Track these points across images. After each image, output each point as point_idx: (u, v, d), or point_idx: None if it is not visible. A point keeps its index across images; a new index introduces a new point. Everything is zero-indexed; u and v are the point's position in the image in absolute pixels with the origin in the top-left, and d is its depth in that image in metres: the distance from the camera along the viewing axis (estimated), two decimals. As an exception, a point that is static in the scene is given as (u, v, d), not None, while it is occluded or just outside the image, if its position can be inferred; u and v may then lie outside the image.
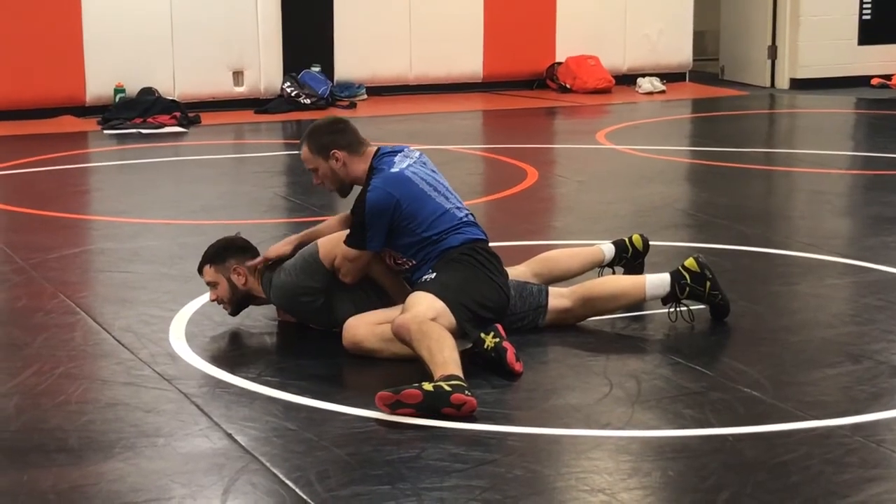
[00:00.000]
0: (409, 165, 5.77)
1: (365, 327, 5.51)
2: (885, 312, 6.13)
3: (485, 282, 5.57)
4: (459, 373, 4.95)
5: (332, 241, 5.75)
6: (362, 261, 5.69)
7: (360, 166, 5.79)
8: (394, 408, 4.82)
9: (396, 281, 5.78)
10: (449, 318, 5.33)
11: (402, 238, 5.68)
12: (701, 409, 4.93)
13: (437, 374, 4.96)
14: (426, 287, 5.45)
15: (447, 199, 5.79)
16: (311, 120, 12.92)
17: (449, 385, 4.83)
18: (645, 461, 4.49)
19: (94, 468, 4.42)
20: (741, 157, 10.72)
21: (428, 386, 4.83)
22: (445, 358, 5.02)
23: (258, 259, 5.91)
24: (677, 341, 5.78)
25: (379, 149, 5.86)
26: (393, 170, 5.72)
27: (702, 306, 5.94)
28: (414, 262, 5.70)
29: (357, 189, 5.83)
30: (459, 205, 5.82)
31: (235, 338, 5.88)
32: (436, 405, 4.80)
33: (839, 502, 4.14)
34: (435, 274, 5.51)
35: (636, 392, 5.07)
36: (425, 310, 5.30)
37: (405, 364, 5.35)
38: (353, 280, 5.72)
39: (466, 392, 4.83)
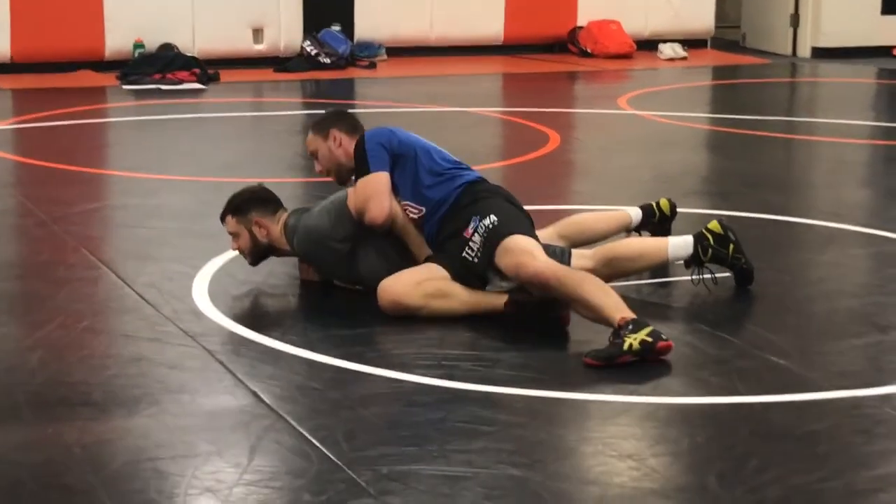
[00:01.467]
0: None
1: (404, 286, 5.48)
2: (911, 283, 6.11)
3: (524, 213, 5.68)
4: (633, 314, 5.04)
5: (353, 190, 5.77)
6: (382, 189, 5.66)
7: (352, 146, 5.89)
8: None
9: (419, 236, 5.75)
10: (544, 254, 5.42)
11: (408, 171, 5.71)
12: (728, 377, 4.90)
13: (618, 317, 5.02)
14: (509, 229, 5.46)
15: (439, 147, 5.90)
16: (332, 80, 12.96)
17: (648, 335, 4.93)
18: (672, 428, 4.46)
19: (120, 423, 4.40)
20: (763, 125, 10.66)
21: (636, 344, 4.90)
22: (617, 301, 5.11)
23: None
24: (703, 308, 5.75)
25: None
26: None
27: (726, 273, 5.91)
28: (424, 209, 5.70)
29: None
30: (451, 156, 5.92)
31: (259, 296, 5.86)
32: (642, 358, 4.92)
33: (867, 473, 4.11)
34: (493, 216, 5.51)
35: (662, 359, 5.04)
36: (542, 252, 5.39)
37: (424, 324, 5.37)
38: (384, 217, 5.65)
39: (662, 336, 4.94)
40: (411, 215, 5.73)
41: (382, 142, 5.74)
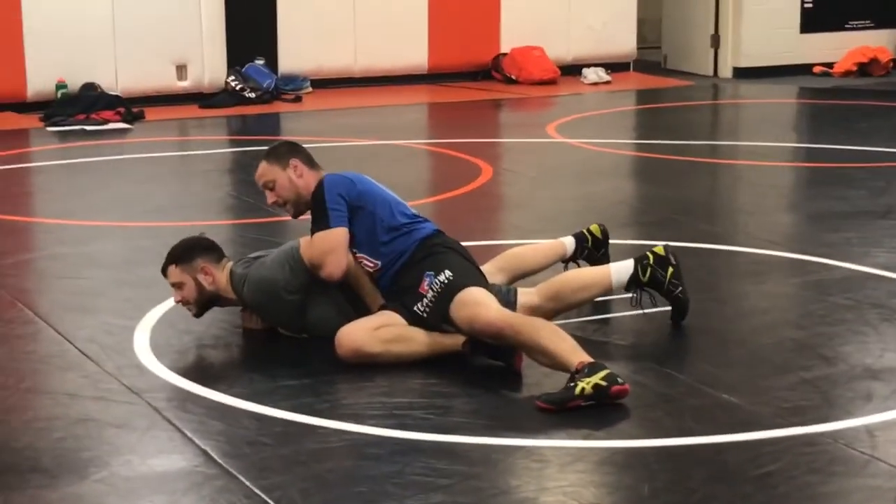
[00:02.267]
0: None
1: (363, 332, 5.45)
2: (853, 312, 6.13)
3: (478, 268, 5.69)
4: (590, 358, 5.01)
5: (308, 241, 5.71)
6: (339, 247, 5.62)
7: (313, 181, 5.83)
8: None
9: (372, 286, 5.72)
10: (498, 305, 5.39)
11: (366, 226, 5.67)
12: (680, 416, 4.90)
13: (575, 361, 4.99)
14: (463, 283, 5.44)
15: (396, 197, 5.88)
16: (257, 115, 12.88)
17: (603, 379, 4.90)
18: (630, 473, 4.45)
19: (71, 489, 4.32)
20: (688, 149, 10.71)
21: (588, 388, 4.88)
22: (573, 345, 5.09)
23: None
24: (649, 344, 5.76)
25: (326, 173, 5.91)
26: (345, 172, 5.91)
27: (667, 308, 5.92)
28: (379, 263, 5.67)
29: None
30: (407, 205, 5.89)
31: (202, 347, 5.78)
32: (596, 402, 4.89)
33: (828, 513, 4.13)
34: (448, 272, 5.49)
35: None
36: (495, 302, 5.37)
37: (372, 371, 5.34)
38: (340, 273, 5.63)
39: (618, 380, 4.92)
40: (367, 268, 5.70)
41: (342, 192, 5.69)
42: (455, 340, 5.45)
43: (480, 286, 5.48)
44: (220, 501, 4.21)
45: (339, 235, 5.65)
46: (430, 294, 5.49)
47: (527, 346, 5.18)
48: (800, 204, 9.04)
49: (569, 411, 4.88)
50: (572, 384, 4.92)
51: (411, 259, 5.63)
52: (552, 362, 5.11)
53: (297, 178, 5.82)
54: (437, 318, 5.46)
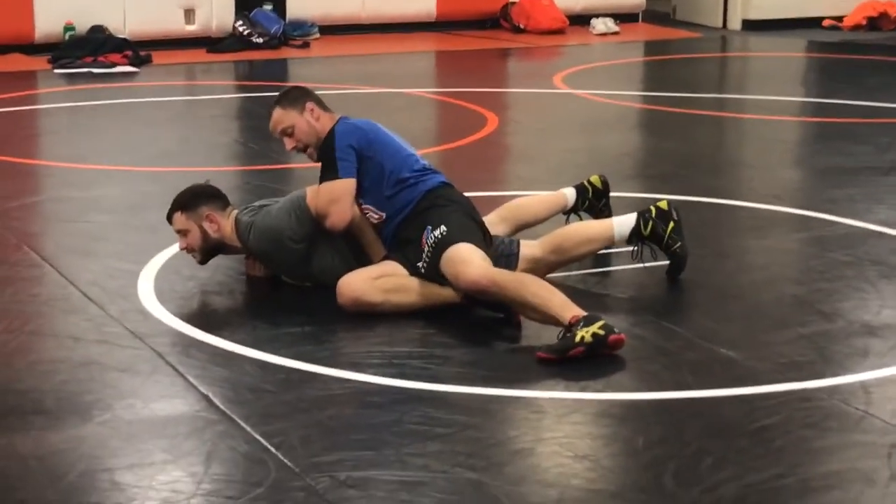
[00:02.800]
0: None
1: (363, 282, 5.49)
2: (853, 268, 6.16)
3: (478, 223, 5.67)
4: (582, 311, 5.04)
5: (314, 190, 5.74)
6: (346, 197, 5.65)
7: (328, 123, 5.83)
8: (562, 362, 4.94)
9: (375, 237, 5.76)
10: (489, 262, 5.39)
11: (372, 177, 5.69)
12: (678, 370, 4.94)
13: (567, 315, 5.02)
14: (454, 239, 5.44)
15: (408, 147, 5.87)
16: (265, 60, 12.88)
17: (600, 328, 4.94)
18: (626, 425, 4.49)
19: (74, 432, 4.37)
20: (696, 102, 10.71)
21: (587, 337, 4.92)
22: (563, 300, 5.11)
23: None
24: (650, 298, 5.80)
25: (341, 116, 5.92)
26: (358, 119, 5.90)
27: (665, 263, 5.95)
28: (384, 214, 5.70)
29: None
30: (423, 159, 5.89)
31: (206, 293, 5.83)
32: (594, 352, 4.93)
33: (821, 469, 4.17)
34: (443, 227, 5.50)
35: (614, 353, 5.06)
36: (481, 260, 5.34)
37: (373, 321, 5.39)
38: (343, 224, 5.66)
39: (615, 329, 4.97)
40: (372, 220, 5.73)
41: (352, 142, 5.70)
42: (455, 292, 5.48)
43: (473, 243, 5.46)
44: (220, 446, 4.26)
45: (345, 186, 5.67)
46: (426, 249, 5.52)
47: (515, 302, 5.21)
48: (805, 159, 9.05)
49: (569, 361, 4.92)
50: (569, 334, 4.96)
51: (414, 211, 5.66)
52: (542, 316, 5.14)
53: (314, 122, 5.82)
54: (433, 273, 5.49)
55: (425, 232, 5.54)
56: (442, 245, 5.45)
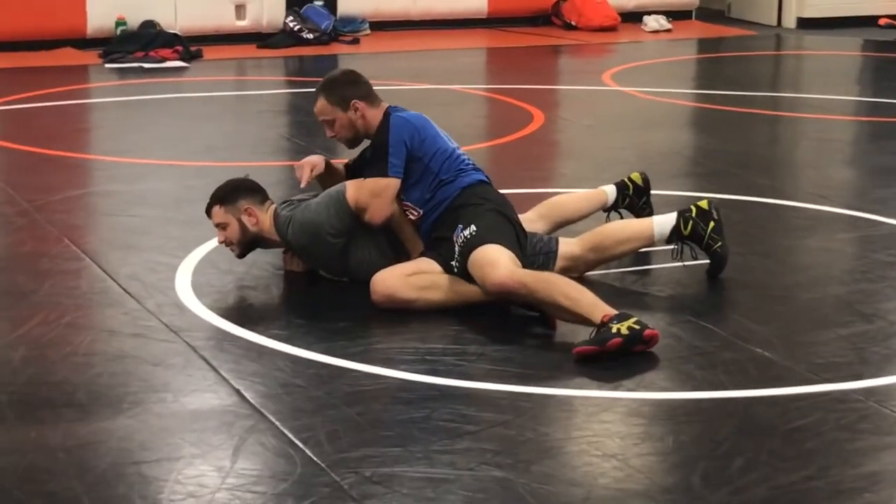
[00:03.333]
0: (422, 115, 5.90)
1: (397, 279, 5.48)
2: (895, 269, 6.09)
3: (512, 223, 5.62)
4: (613, 310, 5.02)
5: (358, 183, 5.72)
6: (388, 194, 5.65)
7: (375, 118, 5.81)
8: (595, 359, 4.89)
9: (414, 233, 5.75)
10: (518, 262, 5.35)
11: (415, 176, 5.69)
12: (713, 369, 4.90)
13: (598, 315, 4.99)
14: (483, 239, 5.41)
15: (455, 146, 5.86)
16: (315, 56, 12.89)
17: (635, 324, 4.92)
18: (657, 425, 4.46)
19: (103, 424, 4.38)
20: (748, 101, 10.63)
21: (624, 330, 4.90)
22: (594, 299, 5.09)
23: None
24: (687, 298, 5.75)
25: (389, 105, 5.89)
26: (410, 112, 5.86)
27: (706, 262, 5.90)
28: (421, 211, 5.69)
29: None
30: (465, 154, 5.87)
31: (242, 288, 5.83)
32: (630, 346, 4.91)
33: (853, 471, 4.11)
34: (474, 226, 5.47)
35: (647, 351, 5.02)
36: (507, 262, 5.29)
37: (408, 317, 5.39)
38: (382, 219, 5.67)
39: (648, 326, 4.95)
40: (410, 216, 5.71)
41: (406, 138, 5.68)
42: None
43: (503, 243, 5.40)
44: (248, 441, 4.26)
45: (390, 184, 5.66)
46: (456, 248, 5.49)
47: (545, 303, 5.18)
48: (856, 159, 8.95)
49: (607, 355, 4.89)
50: (604, 328, 4.92)
51: (449, 208, 5.64)
52: (574, 316, 5.11)
53: (358, 120, 5.81)
54: (465, 272, 5.46)
55: (456, 230, 5.51)
56: (470, 246, 5.42)
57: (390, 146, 5.67)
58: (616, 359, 4.91)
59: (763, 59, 13.70)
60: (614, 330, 4.92)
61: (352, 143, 5.93)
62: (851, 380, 4.79)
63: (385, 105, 5.87)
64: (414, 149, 5.69)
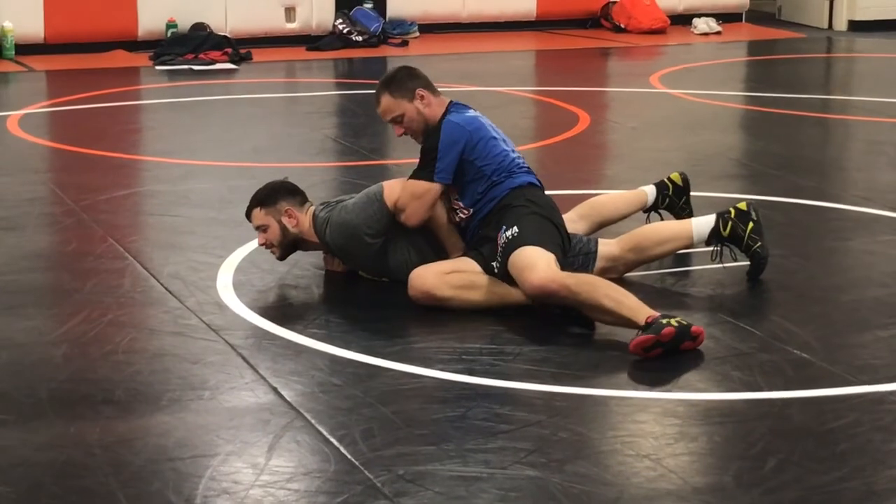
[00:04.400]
0: (479, 115, 5.88)
1: (434, 276, 5.50)
2: (938, 272, 6.07)
3: (554, 228, 5.60)
4: (656, 312, 5.04)
5: (397, 183, 5.75)
6: (429, 198, 5.66)
7: (439, 109, 5.80)
8: (648, 350, 4.91)
9: (453, 232, 5.77)
10: (559, 266, 5.34)
11: (468, 177, 5.69)
12: (750, 371, 4.89)
13: (642, 317, 5.01)
14: (524, 241, 5.40)
15: (510, 147, 5.85)
16: (364, 58, 12.94)
17: (683, 321, 4.96)
18: (692, 425, 4.46)
19: (141, 422, 4.43)
20: (797, 103, 10.58)
21: (675, 323, 4.93)
22: (637, 302, 5.11)
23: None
24: (727, 299, 5.74)
25: (451, 100, 5.89)
26: (468, 113, 5.81)
27: (746, 263, 5.89)
28: (470, 211, 5.70)
29: None
30: (520, 156, 5.86)
31: (283, 287, 5.87)
32: (679, 341, 4.93)
33: (887, 472, 4.10)
34: (516, 228, 5.47)
35: (685, 352, 5.01)
36: (547, 265, 5.28)
37: (446, 316, 5.41)
38: (417, 222, 5.69)
39: (692, 324, 4.98)
40: (460, 215, 5.74)
41: (457, 145, 5.65)
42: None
43: (545, 245, 5.39)
44: (283, 438, 4.29)
45: (432, 188, 5.66)
46: (499, 248, 5.50)
47: (587, 305, 5.18)
48: (902, 161, 8.90)
49: (664, 342, 4.91)
50: (654, 324, 4.93)
51: (495, 208, 5.64)
52: (616, 318, 5.11)
53: (424, 108, 5.77)
54: (505, 273, 5.47)
55: (501, 230, 5.52)
56: (511, 246, 5.43)
57: (440, 150, 5.67)
58: (658, 360, 4.91)
59: (813, 61, 13.63)
60: (664, 322, 4.93)
61: (423, 136, 5.84)
62: (889, 382, 4.76)
63: (446, 100, 5.84)
64: (466, 152, 5.68)
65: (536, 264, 5.29)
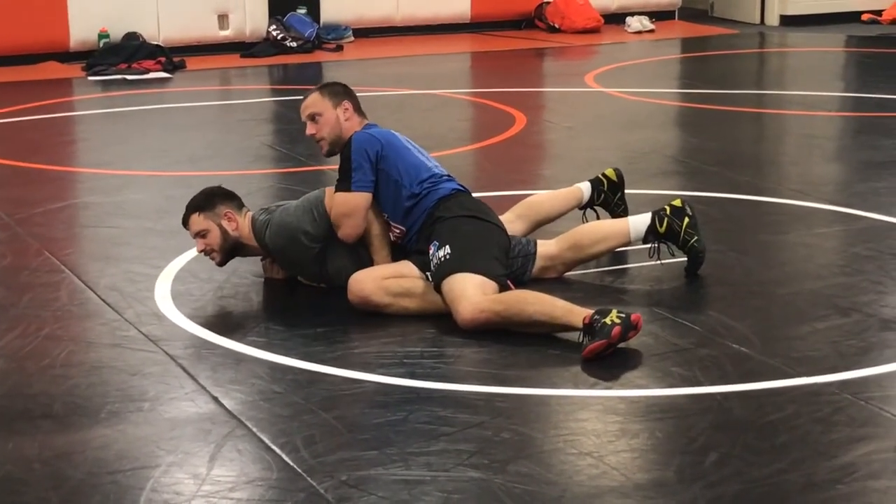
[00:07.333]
0: (396, 133, 5.93)
1: (373, 282, 5.49)
2: (873, 262, 6.11)
3: (490, 229, 5.61)
4: (589, 310, 5.06)
5: (330, 199, 5.75)
6: (359, 212, 5.65)
7: (356, 126, 5.86)
8: (602, 354, 4.93)
9: (384, 246, 5.75)
10: (493, 286, 5.33)
11: (389, 191, 5.68)
12: (689, 366, 4.91)
13: (578, 318, 5.03)
14: (453, 267, 5.38)
15: (427, 159, 5.87)
16: (299, 64, 12.91)
17: (619, 314, 4.98)
18: (633, 422, 4.47)
19: (80, 435, 4.39)
20: (731, 99, 10.66)
21: (616, 319, 4.95)
22: (564, 305, 5.14)
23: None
24: (665, 295, 5.76)
25: (370, 123, 5.95)
26: (381, 129, 5.89)
27: (683, 259, 5.93)
28: (404, 227, 5.70)
29: None
30: (438, 166, 5.86)
31: (222, 296, 5.84)
32: (626, 332, 4.96)
33: (826, 463, 4.13)
34: (448, 247, 5.45)
35: (624, 349, 5.03)
36: (473, 291, 5.26)
37: (387, 321, 5.40)
38: (352, 238, 5.69)
39: (629, 312, 5.03)
40: (393, 233, 5.75)
41: (370, 152, 5.69)
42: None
43: (474, 267, 5.35)
44: (224, 447, 4.27)
45: (358, 200, 5.66)
46: (432, 266, 5.50)
47: (520, 323, 5.19)
48: (837, 154, 8.96)
49: (616, 343, 4.93)
50: (597, 325, 4.94)
51: (426, 222, 5.64)
52: (552, 328, 5.14)
53: (344, 120, 5.84)
54: (439, 290, 5.45)
55: (432, 246, 5.52)
56: (442, 271, 5.40)
57: (353, 160, 5.69)
58: (596, 359, 4.92)
59: (746, 57, 13.72)
60: (608, 320, 4.94)
61: (329, 148, 5.90)
62: (827, 373, 4.80)
63: (366, 123, 5.90)
64: (378, 162, 5.70)
65: (464, 294, 5.27)
